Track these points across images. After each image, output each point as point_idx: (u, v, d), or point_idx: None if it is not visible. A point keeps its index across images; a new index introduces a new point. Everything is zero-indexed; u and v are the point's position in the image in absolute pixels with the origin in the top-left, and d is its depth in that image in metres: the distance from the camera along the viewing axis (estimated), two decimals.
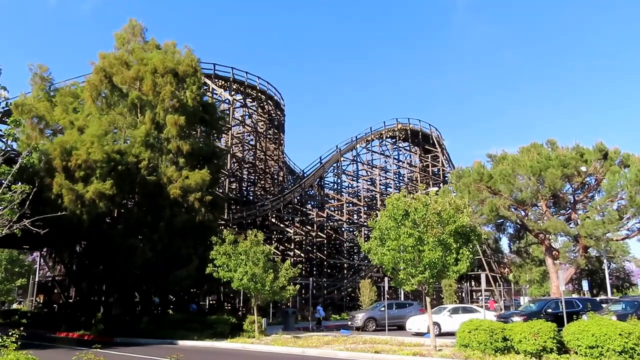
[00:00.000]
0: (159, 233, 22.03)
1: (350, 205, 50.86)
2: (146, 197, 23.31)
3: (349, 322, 26.47)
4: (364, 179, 52.89)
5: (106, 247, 22.51)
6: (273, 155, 46.63)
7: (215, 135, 30.79)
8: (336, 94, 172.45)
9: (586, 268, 38.96)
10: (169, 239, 22.08)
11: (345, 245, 49.96)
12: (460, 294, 43.41)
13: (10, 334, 7.49)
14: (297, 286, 21.38)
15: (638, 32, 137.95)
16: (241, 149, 45.75)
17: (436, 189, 34.53)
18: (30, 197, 8.94)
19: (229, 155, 36.61)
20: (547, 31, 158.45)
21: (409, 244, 13.70)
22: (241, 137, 45.94)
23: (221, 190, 34.10)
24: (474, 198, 29.24)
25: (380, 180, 51.78)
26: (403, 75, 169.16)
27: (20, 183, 9.99)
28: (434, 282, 15.27)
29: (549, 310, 18.90)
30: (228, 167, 36.22)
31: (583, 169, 27.88)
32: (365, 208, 49.44)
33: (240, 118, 44.21)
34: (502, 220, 31.91)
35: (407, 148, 57.34)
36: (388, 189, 53.18)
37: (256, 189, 45.37)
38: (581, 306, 19.12)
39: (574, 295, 39.63)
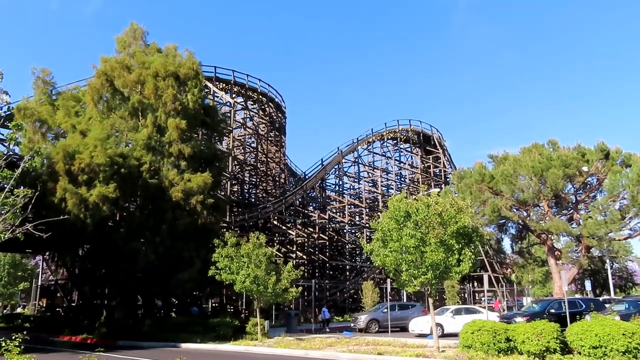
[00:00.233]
0: (161, 236, 22.05)
1: (352, 206, 50.83)
2: (148, 200, 23.35)
3: (352, 324, 26.43)
4: (365, 181, 52.87)
5: (108, 251, 22.53)
6: (274, 158, 46.64)
7: (216, 137, 30.85)
8: (337, 96, 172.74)
9: (589, 268, 38.79)
10: (171, 242, 22.10)
11: (347, 246, 49.92)
12: (462, 295, 43.30)
13: (13, 338, 7.49)
14: (300, 288, 21.36)
15: (638, 31, 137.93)
16: (242, 151, 45.78)
17: (438, 190, 34.52)
18: (33, 201, 8.95)
19: (230, 158, 36.64)
20: (547, 31, 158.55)
21: (410, 245, 13.68)
22: (242, 140, 45.99)
23: (223, 193, 34.11)
24: (475, 199, 29.18)
25: (381, 181, 51.76)
26: (404, 76, 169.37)
27: (22, 187, 10.00)
28: (437, 283, 15.23)
29: (552, 311, 18.84)
30: (230, 170, 36.25)
31: (585, 169, 27.83)
32: (367, 209, 49.41)
33: (241, 120, 44.26)
34: (504, 220, 31.84)
35: (409, 149, 57.33)
36: (389, 190, 53.15)
37: (258, 191, 45.38)
38: (584, 306, 19.07)
39: (577, 296, 39.48)
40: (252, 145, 45.30)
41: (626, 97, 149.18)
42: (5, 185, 8.17)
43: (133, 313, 25.33)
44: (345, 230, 49.87)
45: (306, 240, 42.72)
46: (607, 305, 20.16)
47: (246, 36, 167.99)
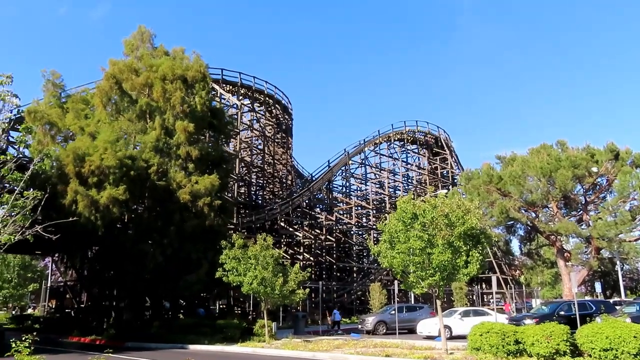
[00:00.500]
0: (169, 238, 22.16)
1: (359, 208, 50.77)
2: (156, 202, 23.49)
3: (359, 326, 26.38)
4: (372, 182, 52.80)
5: (117, 252, 22.68)
6: (281, 159, 46.72)
7: (223, 140, 30.98)
8: (343, 97, 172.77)
9: (599, 270, 38.41)
10: (179, 244, 22.20)
11: (354, 248, 49.85)
12: (471, 296, 43.03)
13: (23, 338, 7.57)
14: (307, 290, 21.36)
15: None
16: (249, 153, 45.93)
17: (445, 191, 34.36)
18: (42, 203, 9.03)
19: (237, 160, 36.78)
20: (554, 31, 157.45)
21: (417, 246, 13.63)
22: (249, 142, 46.14)
23: (230, 195, 34.23)
24: (483, 200, 29.03)
25: (388, 183, 51.65)
26: (410, 77, 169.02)
27: (32, 189, 10.10)
28: (444, 285, 15.15)
29: (562, 313, 18.67)
30: (236, 172, 36.38)
31: (594, 169, 27.60)
32: (374, 211, 49.32)
33: (248, 122, 44.41)
34: (512, 222, 31.63)
35: (416, 151, 57.19)
36: (397, 191, 53.03)
37: (265, 193, 45.50)
38: (594, 308, 18.87)
39: (587, 298, 39.06)
40: (259, 147, 45.44)
41: (636, 96, 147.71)
42: (15, 188, 8.26)
43: (141, 314, 25.47)
44: (352, 232, 49.81)
45: (313, 241, 42.72)
46: (617, 308, 19.92)
47: (253, 38, 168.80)
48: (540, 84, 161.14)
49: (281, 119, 47.23)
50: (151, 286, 23.41)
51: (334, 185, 50.02)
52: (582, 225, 29.65)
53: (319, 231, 43.53)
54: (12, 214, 8.25)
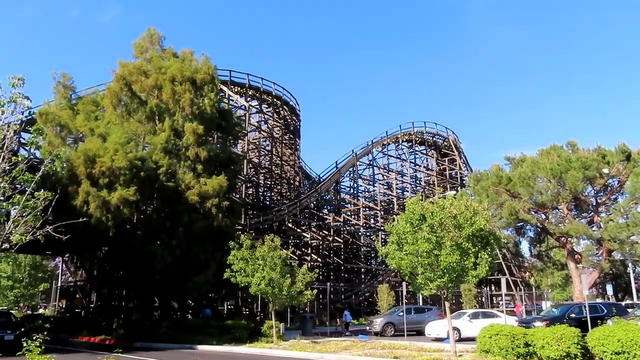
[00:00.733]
0: (178, 239, 22.29)
1: (367, 209, 50.68)
2: (165, 203, 23.64)
3: (367, 327, 26.32)
4: (380, 183, 52.70)
5: (126, 253, 22.86)
6: (289, 161, 46.80)
7: (231, 141, 31.13)
8: (351, 98, 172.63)
9: (610, 272, 37.95)
10: (187, 245, 22.32)
11: (362, 249, 49.76)
12: (480, 298, 42.74)
13: (34, 338, 7.66)
14: (315, 291, 21.35)
15: None
16: (257, 154, 46.07)
17: (454, 192, 34.17)
18: (53, 204, 9.12)
19: (245, 161, 36.91)
20: (565, 31, 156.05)
21: (424, 248, 13.57)
22: (257, 143, 46.29)
23: (238, 196, 34.34)
24: (492, 201, 28.85)
25: (396, 184, 51.51)
26: (419, 78, 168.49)
27: (43, 190, 10.21)
28: (453, 286, 15.07)
29: (572, 315, 18.47)
30: (244, 173, 36.52)
31: (605, 170, 27.31)
32: (382, 212, 49.20)
33: (256, 124, 44.56)
34: (521, 223, 31.40)
35: (424, 152, 56.99)
36: (405, 193, 52.86)
37: (272, 194, 45.60)
38: (606, 311, 18.65)
39: (598, 300, 38.61)
40: (267, 148, 45.56)
41: None
42: (27, 188, 8.35)
43: (150, 315, 25.62)
44: (360, 233, 49.73)
45: (321, 242, 42.71)
46: (629, 310, 19.67)
47: (260, 39, 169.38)
48: (551, 84, 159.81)
49: (289, 120, 47.33)
50: (160, 287, 23.56)
51: (342, 186, 50.00)
52: (593, 227, 29.34)
53: (326, 232, 43.52)
54: (24, 214, 8.34)
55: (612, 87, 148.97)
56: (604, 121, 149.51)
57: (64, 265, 40.33)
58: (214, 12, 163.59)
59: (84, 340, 23.46)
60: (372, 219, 52.00)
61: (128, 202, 20.80)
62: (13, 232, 8.13)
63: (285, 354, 16.85)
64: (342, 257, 44.50)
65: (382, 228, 43.34)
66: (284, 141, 46.29)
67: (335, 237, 43.73)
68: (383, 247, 15.46)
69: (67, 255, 34.72)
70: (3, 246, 8.24)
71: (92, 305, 32.57)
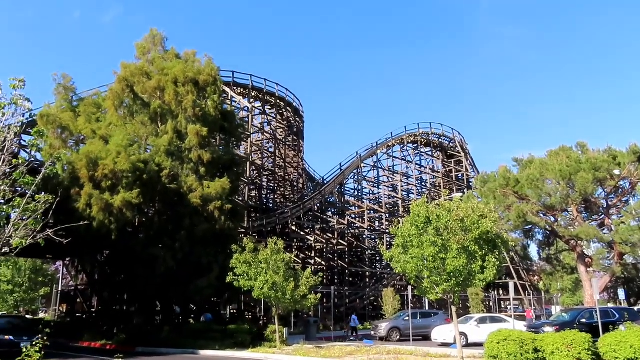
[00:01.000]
0: (180, 242, 22.33)
1: (372, 212, 50.61)
2: (167, 205, 23.71)
3: (372, 332, 26.25)
4: (385, 186, 52.62)
5: (128, 256, 22.92)
6: (292, 162, 46.83)
7: (234, 143, 31.19)
8: (355, 99, 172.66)
9: (622, 276, 37.62)
10: (189, 248, 22.36)
11: (367, 253, 49.67)
12: (487, 303, 42.51)
13: (34, 343, 7.67)
14: (319, 295, 21.31)
15: None
16: (260, 156, 46.13)
17: (460, 194, 34.08)
18: (54, 207, 9.14)
19: (248, 163, 36.95)
20: (574, 31, 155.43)
21: (430, 252, 13.51)
22: (260, 145, 46.35)
23: (241, 199, 34.37)
24: (500, 204, 28.73)
25: (402, 186, 51.42)
26: (424, 78, 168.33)
27: (43, 193, 10.25)
28: (460, 290, 14.98)
29: (583, 320, 18.34)
30: (247, 175, 36.55)
31: (616, 172, 27.14)
32: (387, 215, 49.11)
33: (259, 125, 44.64)
34: (530, 226, 31.25)
35: (429, 153, 56.88)
36: (410, 195, 52.76)
37: (276, 196, 45.62)
38: (618, 316, 18.49)
39: (610, 305, 38.31)
40: (270, 150, 45.62)
41: None
42: (27, 191, 8.37)
43: (151, 319, 25.65)
44: (364, 236, 49.65)
45: (325, 246, 42.67)
46: None
47: (264, 40, 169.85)
48: (559, 84, 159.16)
49: (292, 122, 47.38)
50: (162, 290, 23.61)
51: (346, 188, 49.98)
52: (604, 229, 29.15)
53: (330, 235, 43.48)
54: (24, 217, 8.36)
55: (622, 87, 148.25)
56: (614, 121, 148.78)
57: (64, 269, 40.47)
58: (216, 13, 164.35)
59: (85, 345, 23.52)
60: (376, 222, 51.90)
61: (131, 205, 20.88)
62: (13, 235, 8.15)
63: (288, 359, 16.82)
64: (347, 260, 44.43)
65: (387, 231, 43.28)
66: (288, 143, 46.32)
67: (340, 240, 43.67)
68: (388, 251, 15.41)
69: (67, 259, 34.83)
70: (3, 250, 8.26)
71: (93, 310, 32.67)
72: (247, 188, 37.18)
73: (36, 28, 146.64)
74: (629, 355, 10.80)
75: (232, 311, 33.66)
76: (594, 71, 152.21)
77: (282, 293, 18.99)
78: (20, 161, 8.40)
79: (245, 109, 39.89)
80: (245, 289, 19.51)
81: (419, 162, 55.65)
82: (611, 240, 27.43)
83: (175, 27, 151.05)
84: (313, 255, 41.96)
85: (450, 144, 56.63)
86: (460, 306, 37.27)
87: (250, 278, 19.11)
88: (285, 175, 45.38)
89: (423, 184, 55.54)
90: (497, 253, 14.21)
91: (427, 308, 34.98)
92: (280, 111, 45.63)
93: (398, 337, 24.67)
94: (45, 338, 7.87)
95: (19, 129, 9.07)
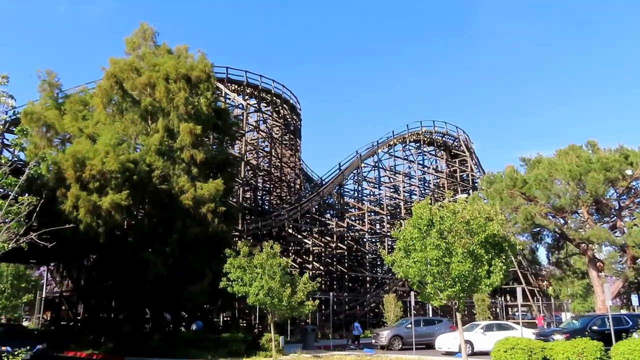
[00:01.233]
0: (171, 246, 22.28)
1: (372, 214, 50.64)
2: (157, 207, 23.65)
3: (373, 340, 26.26)
4: (386, 186, 52.67)
5: (116, 261, 22.86)
6: (289, 162, 46.85)
7: (228, 142, 31.14)
8: (355, 97, 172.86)
9: (635, 281, 37.72)
10: (181, 252, 22.31)
11: (367, 257, 49.70)
12: (494, 309, 42.58)
13: (16, 353, 7.64)
14: (317, 301, 21.31)
15: None
16: (255, 156, 46.13)
17: (465, 195, 34.15)
18: (38, 209, 9.12)
19: (242, 163, 36.95)
20: (582, 26, 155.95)
21: (434, 256, 13.53)
22: (255, 144, 46.35)
23: (235, 200, 34.34)
24: (506, 205, 28.78)
25: (404, 187, 51.48)
26: (426, 76, 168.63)
27: (27, 194, 10.22)
28: (465, 296, 15.01)
29: (595, 328, 18.38)
30: (242, 176, 36.54)
31: (628, 172, 27.20)
32: (389, 217, 49.15)
33: (254, 123, 44.64)
34: (538, 229, 31.29)
35: (433, 152, 56.98)
36: (412, 196, 52.82)
37: (272, 198, 45.62)
38: (631, 323, 18.55)
39: (623, 311, 38.38)
40: (266, 149, 45.63)
41: None
42: (10, 193, 8.35)
43: (141, 327, 25.58)
44: (365, 240, 49.67)
45: (323, 250, 42.67)
46: None
47: (259, 36, 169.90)
48: (568, 81, 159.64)
49: (289, 120, 47.40)
50: (152, 297, 23.55)
51: (346, 189, 50.02)
52: (616, 232, 29.21)
53: (329, 238, 43.49)
54: (6, 220, 8.33)
55: (635, 83, 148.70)
56: (626, 119, 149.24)
57: (49, 275, 40.35)
58: (210, 7, 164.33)
59: (70, 355, 23.44)
60: (377, 225, 51.93)
61: (120, 207, 20.81)
62: None
63: None
64: (346, 265, 44.45)
65: (388, 234, 43.28)
66: (284, 142, 46.33)
67: (339, 244, 43.69)
68: (389, 255, 15.43)
69: (52, 264, 34.74)
70: None
71: (79, 318, 32.55)
72: (241, 189, 37.16)
73: (18, 22, 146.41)
74: None
75: (225, 319, 33.63)
76: (605, 67, 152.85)
77: (278, 299, 18.98)
78: (2, 161, 8.38)
79: (240, 106, 39.87)
80: (240, 295, 19.48)
81: (421, 162, 55.76)
82: (624, 243, 27.49)
83: (168, 22, 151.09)
84: (311, 259, 41.98)
85: (455, 142, 56.74)
86: (466, 313, 37.32)
87: (245, 284, 19.09)
88: (282, 176, 45.39)
89: (426, 184, 55.61)
90: (504, 257, 14.25)
91: (430, 315, 35.02)
92: (277, 109, 45.64)
93: (400, 346, 24.68)
94: (45, 346, 7.85)
95: (1, 127, 9.06)
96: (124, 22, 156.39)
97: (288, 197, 46.37)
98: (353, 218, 49.75)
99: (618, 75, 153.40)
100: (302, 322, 32.06)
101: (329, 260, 43.29)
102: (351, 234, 47.32)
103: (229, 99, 39.00)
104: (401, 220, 40.05)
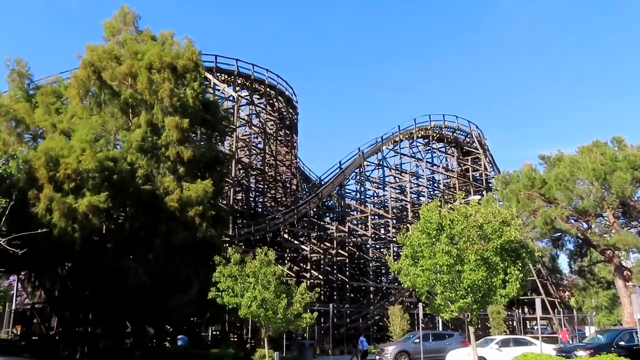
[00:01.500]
0: (155, 252, 22.31)
1: (376, 217, 50.70)
2: (140, 210, 23.68)
3: (377, 357, 26.33)
4: (391, 187, 52.72)
5: (93, 269, 22.88)
6: (285, 160, 46.88)
7: (217, 137, 31.19)
8: (359, 90, 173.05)
9: None
10: (165, 259, 22.34)
11: (370, 265, 49.75)
12: (510, 322, 42.67)
13: None
14: (315, 313, 21.34)
15: None
16: (248, 153, 46.16)
17: (478, 197, 34.23)
18: (7, 212, 9.14)
19: (233, 161, 36.97)
20: (605, 18, 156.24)
21: (444, 263, 13.57)
22: (247, 140, 46.38)
23: (225, 202, 34.37)
24: (524, 208, 28.87)
25: (410, 187, 51.53)
26: (436, 70, 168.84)
27: None
28: (478, 308, 15.07)
29: (622, 343, 18.48)
30: (233, 175, 36.58)
31: None
32: (394, 221, 49.19)
33: (246, 117, 44.66)
34: (559, 234, 31.40)
35: (443, 149, 57.04)
36: (420, 198, 52.89)
37: (266, 199, 45.64)
38: None
39: None
40: (259, 146, 45.65)
41: None
42: None
43: (121, 342, 25.60)
44: (368, 246, 49.71)
45: (322, 257, 42.73)
46: None
47: (253, 21, 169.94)
48: (591, 71, 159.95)
49: (285, 113, 47.43)
50: (133, 309, 23.57)
51: (347, 190, 50.06)
52: None
53: (329, 244, 43.54)
54: None
55: None
56: None
57: (19, 285, 40.30)
58: None
59: None
60: (382, 229, 51.99)
61: (98, 209, 20.83)
62: None
63: None
64: (347, 273, 44.50)
65: (394, 239, 43.31)
66: (279, 138, 46.36)
67: (339, 251, 43.73)
68: (395, 262, 15.48)
69: (23, 272, 34.68)
70: None
71: (53, 332, 32.57)
72: (232, 190, 37.20)
73: None
74: None
75: (214, 333, 33.68)
76: (631, 56, 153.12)
77: (272, 311, 19.02)
78: None
79: (230, 98, 39.88)
80: (230, 306, 19.54)
81: (430, 160, 55.82)
82: None
83: (151, 6, 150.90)
84: (309, 267, 42.00)
85: (467, 138, 56.82)
86: (479, 326, 37.34)
87: (236, 294, 19.14)
88: (277, 175, 45.43)
89: (435, 184, 55.69)
90: (521, 265, 14.31)
91: (440, 329, 35.08)
92: (271, 101, 45.66)
93: None
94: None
95: None
96: (104, 4, 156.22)
97: (283, 198, 46.42)
98: (355, 222, 49.82)
99: None
100: (299, 336, 32.12)
101: (329, 269, 43.33)
102: (353, 239, 47.36)
103: (219, 90, 39.02)
104: (408, 225, 40.10)
